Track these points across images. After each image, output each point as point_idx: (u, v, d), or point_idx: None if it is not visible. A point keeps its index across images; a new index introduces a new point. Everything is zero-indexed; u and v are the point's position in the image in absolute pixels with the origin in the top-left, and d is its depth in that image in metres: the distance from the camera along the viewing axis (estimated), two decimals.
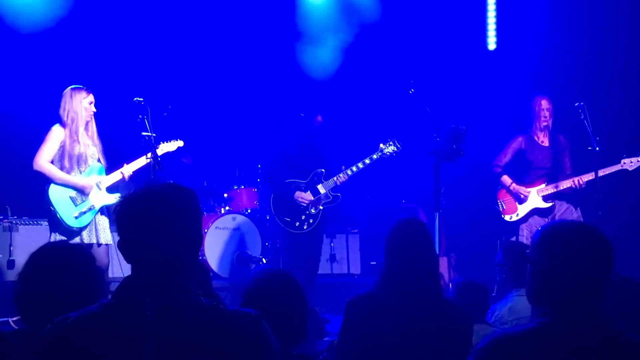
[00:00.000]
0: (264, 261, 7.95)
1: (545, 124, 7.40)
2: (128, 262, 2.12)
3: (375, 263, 8.89)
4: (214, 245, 8.37)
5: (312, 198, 7.31)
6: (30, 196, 6.80)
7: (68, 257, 2.80)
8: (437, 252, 5.83)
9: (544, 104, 7.39)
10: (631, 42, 8.77)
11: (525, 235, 7.28)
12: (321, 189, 7.36)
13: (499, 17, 9.71)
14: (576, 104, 6.98)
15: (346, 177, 7.34)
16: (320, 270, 7.72)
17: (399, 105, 8.19)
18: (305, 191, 7.32)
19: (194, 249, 2.14)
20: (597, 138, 6.86)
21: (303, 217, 7.29)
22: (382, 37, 9.42)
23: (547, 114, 7.38)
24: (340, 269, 9.10)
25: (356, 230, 9.32)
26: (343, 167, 7.41)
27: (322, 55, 9.10)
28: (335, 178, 7.34)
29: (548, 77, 8.93)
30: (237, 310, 2.14)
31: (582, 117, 6.90)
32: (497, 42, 9.73)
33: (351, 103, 9.61)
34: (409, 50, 9.39)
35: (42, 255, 2.83)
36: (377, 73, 9.45)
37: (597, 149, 6.85)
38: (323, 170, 7.40)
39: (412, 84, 6.40)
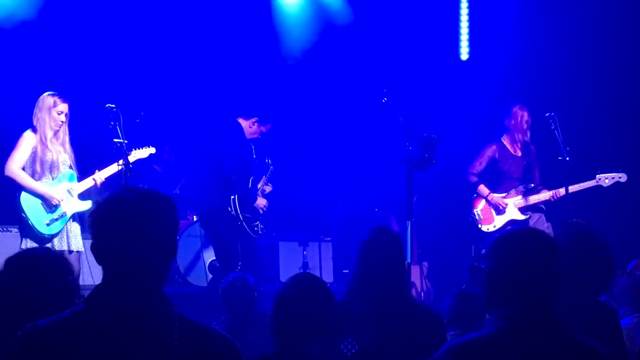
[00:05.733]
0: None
1: (523, 136, 7.47)
2: (100, 264, 2.09)
3: (347, 271, 8.81)
4: (186, 254, 8.33)
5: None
6: (0, 202, 6.72)
7: (46, 264, 2.77)
8: (409, 261, 5.91)
9: (526, 116, 7.46)
10: (601, 53, 8.88)
11: None
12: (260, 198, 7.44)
13: (471, 27, 9.79)
14: (547, 114, 7.02)
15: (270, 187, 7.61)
16: None
17: (372, 113, 8.21)
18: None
19: (168, 257, 2.14)
20: (568, 148, 6.91)
21: (257, 223, 7.35)
22: (356, 46, 9.45)
23: (526, 126, 7.46)
24: None
25: (329, 239, 9.32)
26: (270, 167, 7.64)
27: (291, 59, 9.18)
28: (260, 188, 7.48)
29: (519, 87, 9.02)
30: (214, 329, 2.13)
31: (552, 128, 6.95)
32: (470, 52, 9.81)
33: (323, 110, 9.62)
34: (382, 58, 9.43)
35: (19, 261, 2.79)
36: (350, 81, 9.47)
37: (567, 159, 6.89)
38: (252, 177, 7.45)
39: (385, 93, 6.44)
